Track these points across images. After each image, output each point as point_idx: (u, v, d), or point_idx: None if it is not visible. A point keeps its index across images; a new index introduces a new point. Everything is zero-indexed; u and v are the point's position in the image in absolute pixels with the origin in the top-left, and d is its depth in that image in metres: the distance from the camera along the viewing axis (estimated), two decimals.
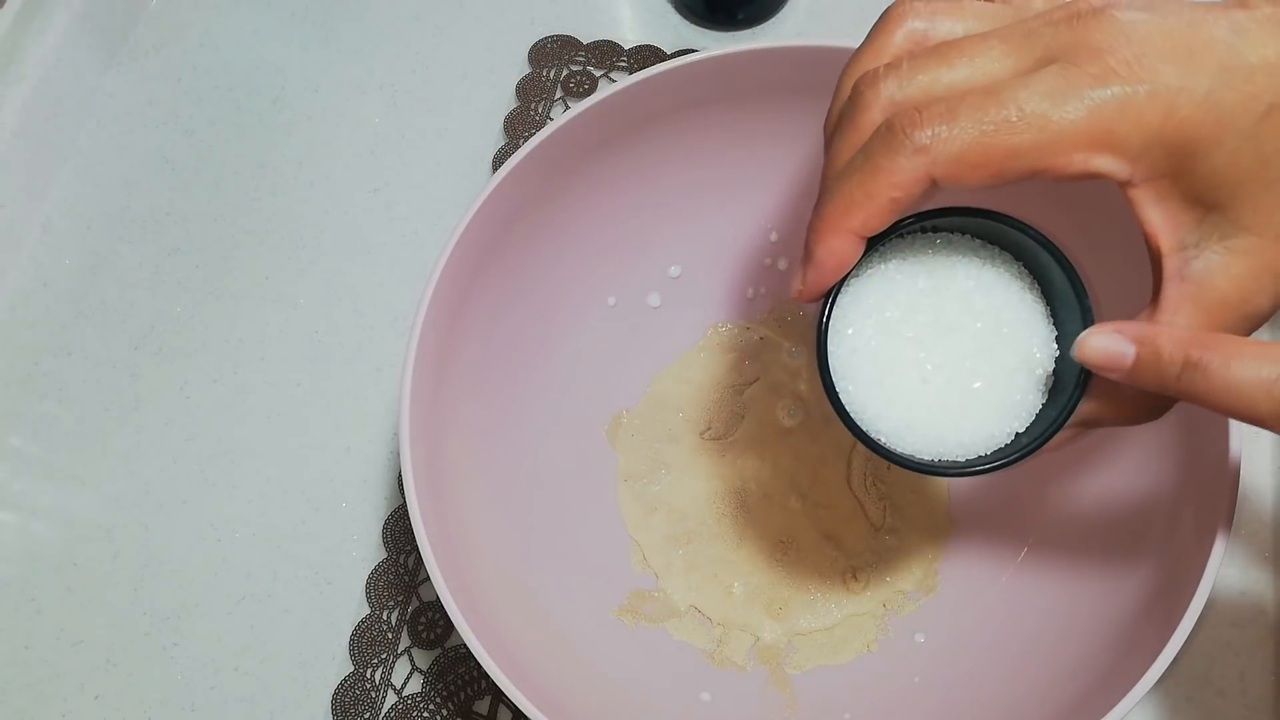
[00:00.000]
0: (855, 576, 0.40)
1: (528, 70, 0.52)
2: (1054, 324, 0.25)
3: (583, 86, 0.51)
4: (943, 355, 0.25)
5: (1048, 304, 0.25)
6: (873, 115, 0.23)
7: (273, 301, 0.48)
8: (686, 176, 0.40)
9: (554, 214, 0.38)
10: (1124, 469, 0.35)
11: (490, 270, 0.36)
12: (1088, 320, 0.23)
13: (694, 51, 0.37)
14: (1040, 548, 0.37)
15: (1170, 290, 0.22)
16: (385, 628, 0.41)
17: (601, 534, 0.41)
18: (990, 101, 0.21)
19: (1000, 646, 0.36)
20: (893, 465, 0.42)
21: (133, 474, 0.45)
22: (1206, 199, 0.21)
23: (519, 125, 0.50)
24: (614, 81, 0.41)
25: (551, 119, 0.50)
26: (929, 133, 0.21)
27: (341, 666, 0.41)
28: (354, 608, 0.42)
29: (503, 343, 0.38)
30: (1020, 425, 0.26)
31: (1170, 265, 0.23)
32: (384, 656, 0.41)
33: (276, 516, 0.44)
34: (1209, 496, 0.30)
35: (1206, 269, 0.22)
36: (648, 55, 0.52)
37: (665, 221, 0.41)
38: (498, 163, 0.50)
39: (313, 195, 0.50)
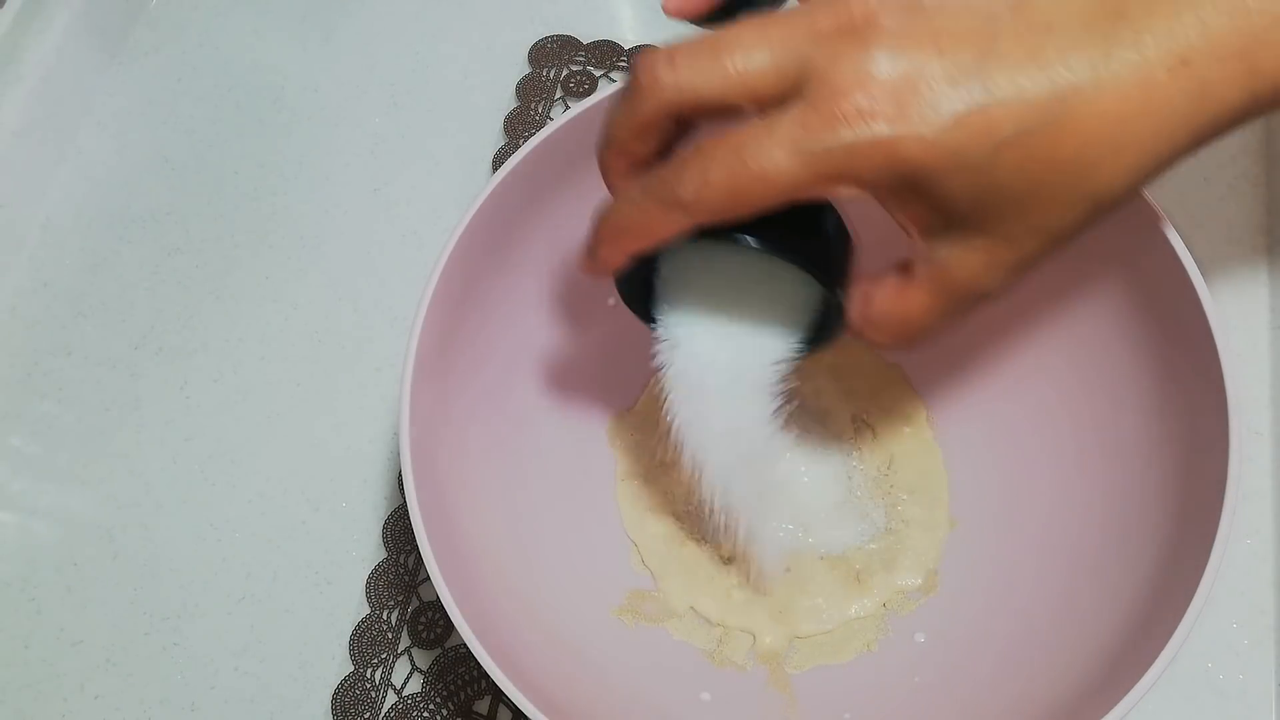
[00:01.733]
0: (856, 577, 0.40)
1: (528, 70, 0.52)
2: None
3: (583, 86, 0.51)
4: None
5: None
6: (647, 106, 0.26)
7: (273, 301, 0.48)
8: None
9: (554, 214, 0.38)
10: (1124, 469, 0.35)
11: (490, 270, 0.36)
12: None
13: None
14: (1039, 548, 0.37)
15: (919, 269, 0.26)
16: (385, 627, 0.41)
17: (601, 534, 0.41)
18: (739, 159, 0.24)
19: (1000, 646, 0.36)
20: (893, 466, 0.42)
21: (133, 474, 0.45)
22: (946, 210, 0.24)
23: (519, 125, 0.50)
24: (614, 81, 0.41)
25: (551, 119, 0.50)
26: (690, 191, 0.24)
27: (341, 666, 0.41)
28: (354, 607, 0.42)
29: (503, 342, 0.38)
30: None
31: (919, 249, 0.26)
32: (384, 656, 0.41)
33: (276, 516, 0.44)
34: (1209, 497, 0.30)
35: (948, 257, 0.25)
36: None
37: None
38: (498, 163, 0.50)
39: (313, 195, 0.50)
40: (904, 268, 0.27)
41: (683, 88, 0.25)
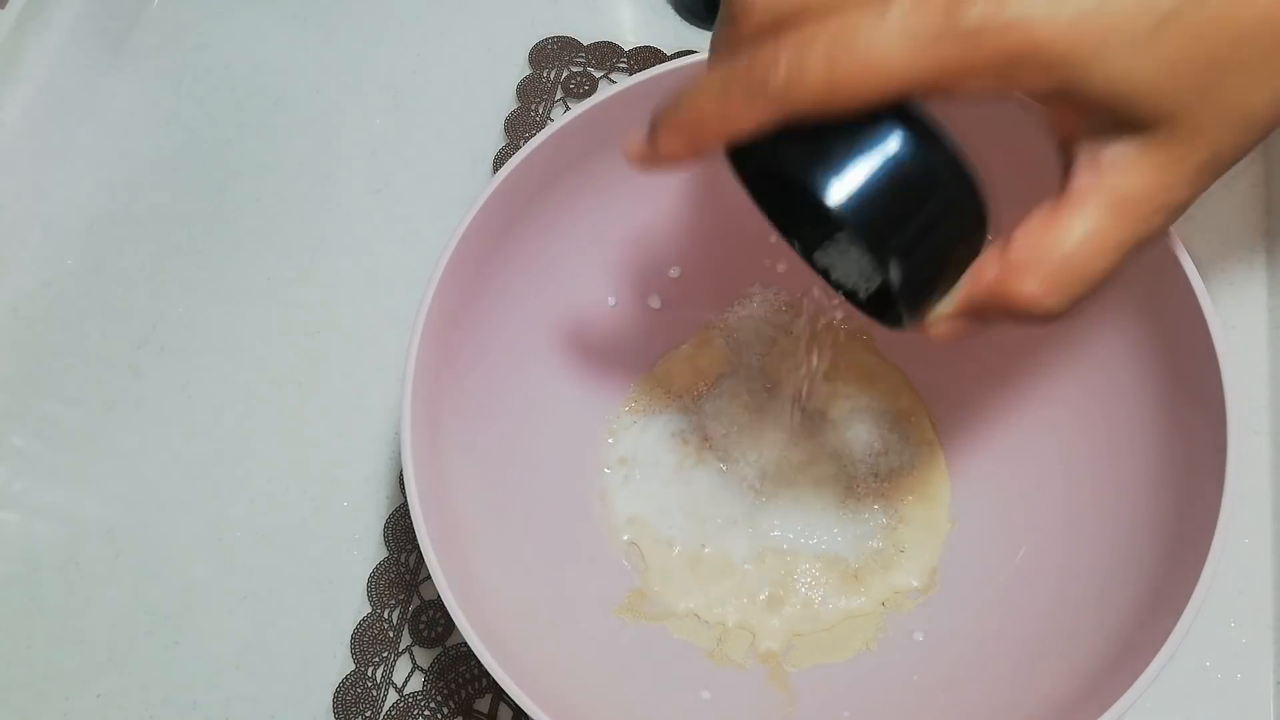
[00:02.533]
0: (855, 576, 0.40)
1: (528, 71, 0.52)
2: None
3: (583, 87, 0.52)
4: None
5: None
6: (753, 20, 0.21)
7: (274, 301, 0.48)
8: (686, 176, 0.40)
9: (554, 214, 0.38)
10: (1122, 469, 0.35)
11: (491, 271, 0.36)
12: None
13: (694, 53, 0.37)
14: (1039, 547, 0.37)
15: (1081, 181, 0.21)
16: (386, 626, 0.41)
17: (602, 533, 0.41)
18: (843, 43, 0.19)
19: (999, 645, 0.36)
20: (894, 465, 0.42)
21: (134, 473, 0.45)
22: (1107, 105, 0.20)
23: (519, 126, 0.51)
24: (614, 82, 0.41)
25: (552, 120, 0.50)
26: (781, 77, 0.20)
27: (343, 665, 0.41)
28: (355, 606, 0.42)
29: (503, 342, 0.38)
30: None
31: (1083, 152, 0.21)
32: (385, 655, 0.41)
33: (278, 515, 0.44)
34: (1207, 496, 0.30)
35: (1119, 160, 0.20)
36: (648, 56, 0.52)
37: (665, 222, 0.42)
38: (498, 163, 0.50)
39: (314, 196, 0.50)
40: (1055, 196, 0.21)
41: None
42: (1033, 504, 0.38)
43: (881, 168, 0.20)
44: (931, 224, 0.21)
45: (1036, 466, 0.39)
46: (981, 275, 0.22)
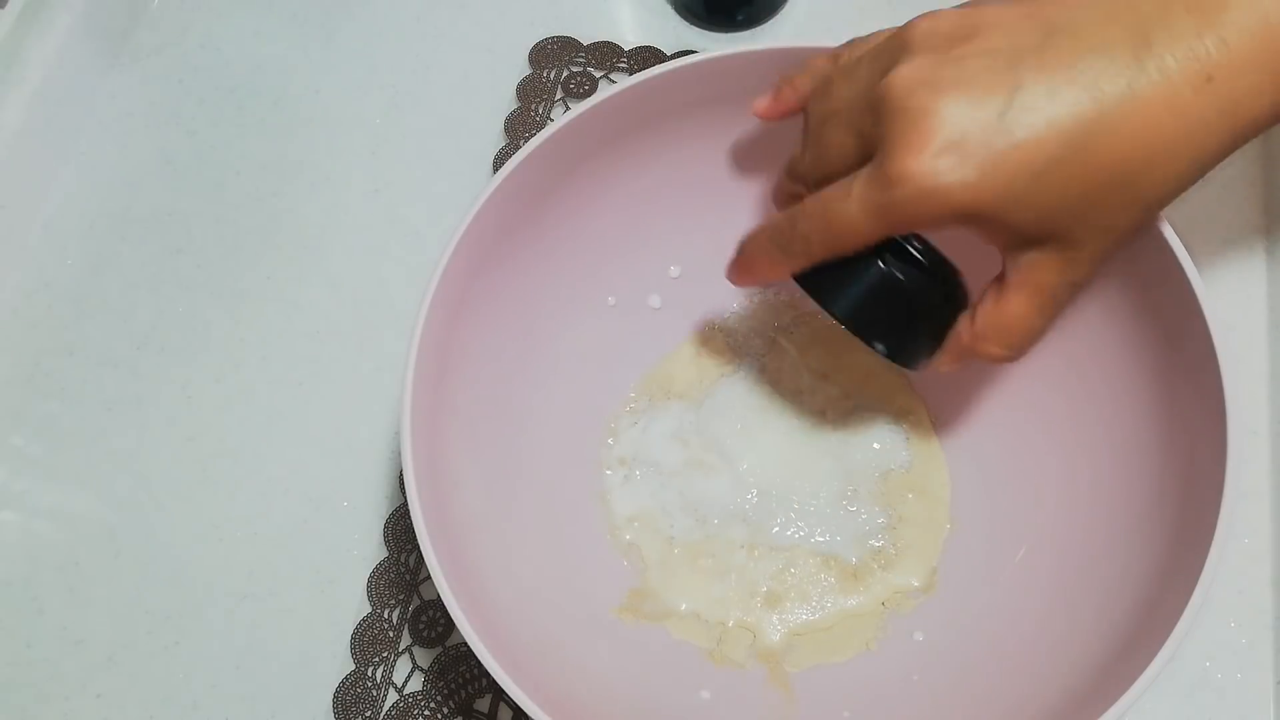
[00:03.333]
0: (855, 575, 0.40)
1: (528, 71, 0.52)
2: None
3: (583, 88, 0.52)
4: None
5: None
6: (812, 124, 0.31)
7: (274, 301, 0.48)
8: (686, 177, 0.40)
9: (554, 214, 0.38)
10: (1122, 468, 0.35)
11: (491, 270, 0.36)
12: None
13: (694, 53, 0.37)
14: (1039, 548, 0.37)
15: (1010, 278, 0.29)
16: (386, 626, 0.41)
17: (602, 533, 0.41)
18: (824, 217, 0.28)
19: (999, 646, 0.36)
20: (895, 465, 0.42)
21: (135, 473, 0.45)
22: (1013, 231, 0.27)
23: (519, 126, 0.51)
24: (614, 82, 0.41)
25: (552, 120, 0.50)
26: (795, 243, 0.30)
27: (343, 665, 0.41)
28: (355, 606, 0.42)
29: (503, 342, 0.38)
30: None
31: (1008, 256, 0.29)
32: (385, 655, 0.41)
33: (278, 515, 0.44)
34: (1207, 496, 0.30)
35: (1031, 263, 0.28)
36: (648, 56, 0.52)
37: (665, 222, 0.42)
38: (498, 163, 0.50)
39: (314, 196, 0.50)
40: (998, 279, 0.29)
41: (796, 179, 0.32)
42: (1032, 504, 0.38)
43: (863, 287, 0.31)
44: (900, 316, 0.31)
45: (1036, 466, 0.39)
46: (959, 339, 0.31)
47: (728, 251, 0.43)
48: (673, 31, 0.53)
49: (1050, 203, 0.26)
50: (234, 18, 0.55)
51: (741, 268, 0.33)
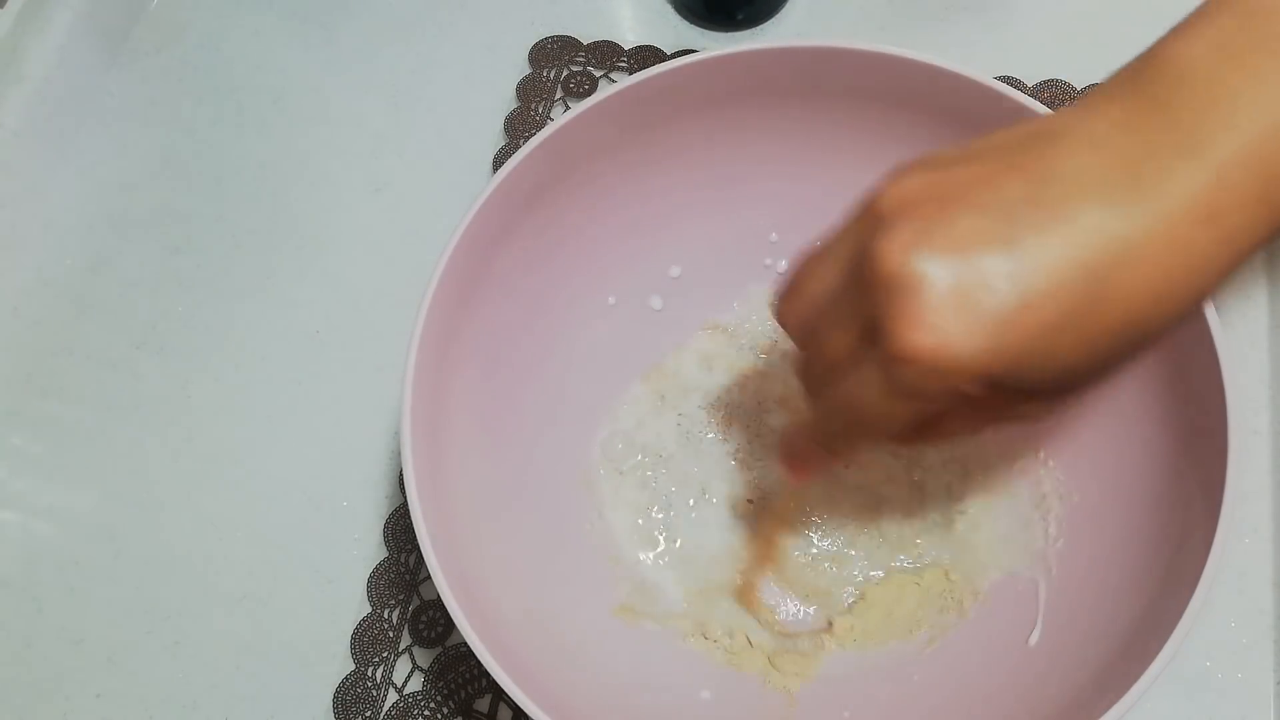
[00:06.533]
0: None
1: (528, 71, 0.52)
2: None
3: (583, 87, 0.52)
4: None
5: None
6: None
7: (274, 301, 0.48)
8: (686, 176, 0.40)
9: (554, 214, 0.38)
10: (1122, 469, 0.35)
11: (491, 270, 0.36)
12: None
13: (694, 52, 0.37)
14: (1039, 547, 0.37)
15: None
16: (386, 626, 0.41)
17: (602, 533, 0.41)
18: (852, 415, 0.27)
19: (999, 646, 0.36)
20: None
21: (134, 473, 0.45)
22: (1025, 390, 0.25)
23: (519, 125, 0.51)
24: (614, 82, 0.41)
25: (552, 119, 0.50)
26: (835, 444, 0.30)
27: (343, 665, 0.41)
28: (355, 606, 0.42)
29: (503, 341, 0.38)
30: None
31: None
32: (385, 655, 0.41)
33: (278, 515, 0.44)
34: (1208, 496, 0.30)
35: (1026, 412, 0.28)
36: (648, 56, 0.52)
37: (665, 221, 0.41)
38: (498, 163, 0.50)
39: (314, 195, 0.50)
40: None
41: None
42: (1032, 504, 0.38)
43: None
44: None
45: (1036, 467, 0.39)
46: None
47: (728, 252, 0.43)
48: (673, 31, 0.53)
49: (1065, 358, 0.24)
50: (234, 17, 0.55)
51: (795, 470, 0.33)
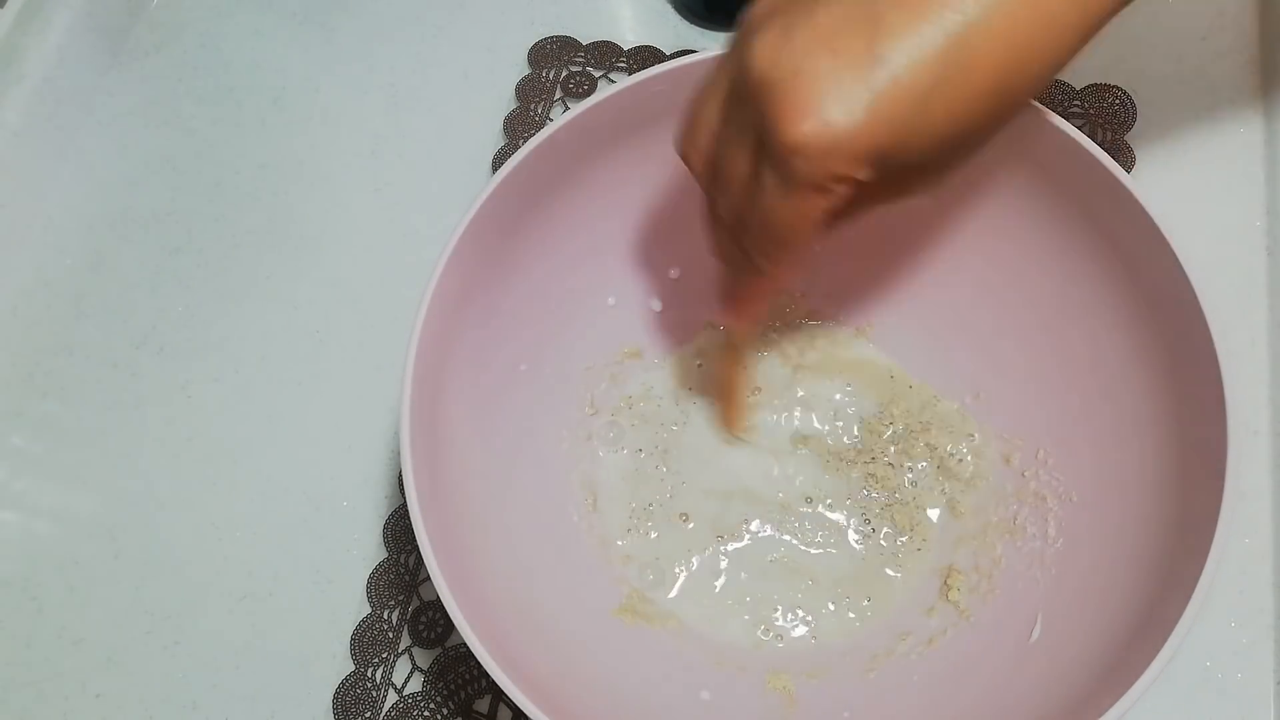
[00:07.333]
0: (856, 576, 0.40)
1: (527, 71, 0.52)
2: None
3: (582, 87, 0.52)
4: None
5: None
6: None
7: (273, 301, 0.48)
8: (686, 177, 0.40)
9: (553, 214, 0.38)
10: (1122, 469, 0.35)
11: (490, 270, 0.36)
12: None
13: (694, 52, 0.37)
14: (1038, 547, 0.37)
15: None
16: (386, 627, 0.41)
17: (602, 534, 0.41)
18: (766, 227, 0.28)
19: (999, 646, 0.36)
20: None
21: (134, 473, 0.45)
22: (912, 168, 0.27)
23: (519, 126, 0.50)
24: (613, 82, 0.41)
25: (551, 119, 0.50)
26: (760, 262, 0.30)
27: (342, 665, 0.41)
28: (355, 607, 0.42)
29: (503, 342, 0.38)
30: None
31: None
32: (385, 655, 0.41)
33: (277, 515, 0.44)
34: (1207, 496, 0.30)
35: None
36: (647, 56, 0.52)
37: (665, 222, 0.41)
38: (498, 163, 0.50)
39: (313, 195, 0.50)
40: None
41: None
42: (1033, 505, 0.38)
43: None
44: None
45: (1035, 467, 0.39)
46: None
47: None
48: (672, 31, 0.53)
49: (941, 125, 0.25)
50: (233, 17, 0.55)
51: (729, 309, 0.34)
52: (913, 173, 0.27)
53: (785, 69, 0.25)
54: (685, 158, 0.31)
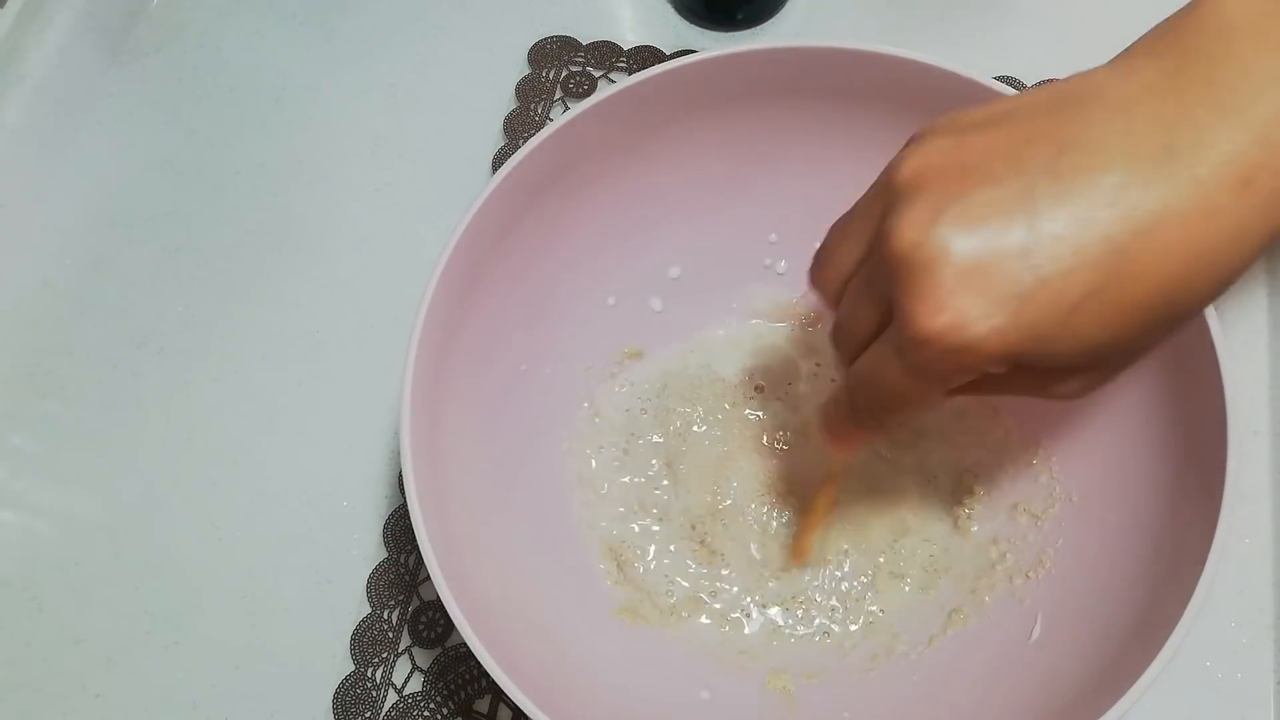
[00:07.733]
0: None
1: (527, 71, 0.52)
2: None
3: (582, 87, 0.52)
4: None
5: None
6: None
7: (273, 301, 0.48)
8: (685, 177, 0.40)
9: (553, 214, 0.38)
10: (1122, 469, 0.35)
11: (490, 270, 0.36)
12: None
13: (694, 52, 0.37)
14: (1038, 548, 0.37)
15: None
16: (386, 627, 0.41)
17: (602, 533, 0.41)
18: (877, 389, 0.27)
19: (999, 646, 0.36)
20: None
21: (134, 473, 0.45)
22: (1048, 368, 0.25)
23: (519, 126, 0.50)
24: (613, 82, 0.41)
25: (551, 120, 0.50)
26: (863, 420, 0.29)
27: (342, 665, 0.41)
28: (355, 607, 0.42)
29: (503, 342, 0.38)
30: None
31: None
32: (385, 655, 0.41)
33: (277, 515, 0.44)
34: (1207, 496, 0.30)
35: (1059, 390, 0.26)
36: (647, 56, 0.52)
37: (665, 222, 0.41)
38: (498, 163, 0.50)
39: (313, 195, 0.50)
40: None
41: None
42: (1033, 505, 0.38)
43: None
44: None
45: (1036, 467, 0.39)
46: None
47: (729, 252, 0.43)
48: (673, 31, 0.53)
49: (1090, 336, 0.23)
50: (234, 17, 0.55)
51: (833, 442, 0.31)
52: (1058, 374, 0.25)
53: (927, 253, 0.23)
54: (816, 288, 0.29)
